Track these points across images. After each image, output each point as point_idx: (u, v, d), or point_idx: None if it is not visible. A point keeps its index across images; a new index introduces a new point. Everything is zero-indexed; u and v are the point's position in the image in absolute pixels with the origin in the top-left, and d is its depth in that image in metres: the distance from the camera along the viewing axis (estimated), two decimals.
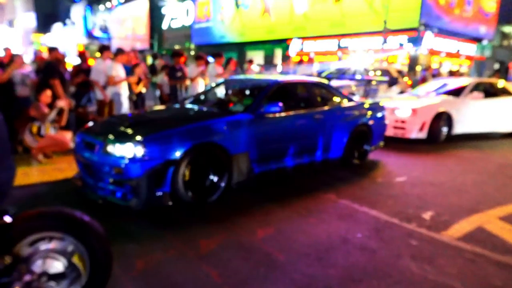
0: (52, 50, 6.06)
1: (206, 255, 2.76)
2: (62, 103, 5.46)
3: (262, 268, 2.59)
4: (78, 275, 1.88)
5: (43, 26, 51.76)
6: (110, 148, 3.41)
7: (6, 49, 5.40)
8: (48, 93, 5.29)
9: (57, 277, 1.84)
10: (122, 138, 3.49)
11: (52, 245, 1.87)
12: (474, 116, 7.49)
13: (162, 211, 3.54)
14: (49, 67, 5.81)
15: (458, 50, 21.77)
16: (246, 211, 3.64)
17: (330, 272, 2.56)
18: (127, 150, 3.34)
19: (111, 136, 3.52)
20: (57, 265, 1.84)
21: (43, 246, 1.86)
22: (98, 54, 6.74)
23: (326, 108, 5.02)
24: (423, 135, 6.86)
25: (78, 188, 3.88)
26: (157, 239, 3.01)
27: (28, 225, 1.79)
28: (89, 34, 40.35)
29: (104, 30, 41.76)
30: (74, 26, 35.14)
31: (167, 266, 2.60)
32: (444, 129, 7.15)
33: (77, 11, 44.21)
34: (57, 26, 46.70)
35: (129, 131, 3.65)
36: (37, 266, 1.82)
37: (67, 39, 38.05)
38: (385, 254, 2.84)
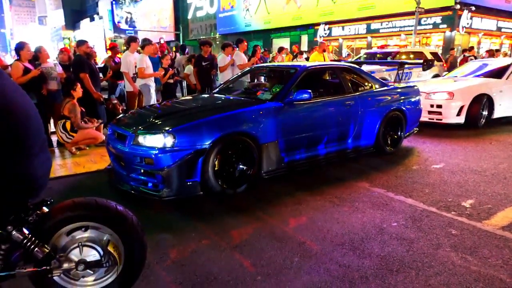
0: (80, 43, 6.11)
1: (239, 244, 2.75)
2: (97, 123, 5.58)
3: (296, 257, 2.55)
4: (114, 264, 1.92)
5: (72, 22, 53.37)
6: (141, 139, 3.45)
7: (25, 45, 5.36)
8: (79, 88, 5.40)
9: (93, 265, 1.88)
10: (152, 129, 3.52)
11: (88, 234, 1.91)
12: None
13: (193, 201, 3.56)
14: (78, 61, 5.89)
15: (499, 28, 20.54)
16: (277, 200, 3.60)
17: (366, 262, 2.48)
18: (157, 141, 3.37)
19: (141, 128, 3.56)
20: (94, 254, 1.88)
21: (80, 235, 1.90)
22: (123, 47, 6.82)
23: (357, 93, 4.85)
24: (461, 119, 6.54)
25: (111, 179, 3.97)
26: (190, 229, 3.02)
27: (65, 215, 1.83)
28: (116, 28, 41.15)
29: (130, 23, 42.49)
30: (102, 21, 35.96)
31: (201, 255, 2.61)
32: (484, 113, 6.78)
33: (103, 5, 45.17)
34: (85, 22, 48.05)
35: (159, 122, 3.68)
36: (75, 254, 1.86)
37: (96, 34, 39.05)
38: (423, 244, 2.72)
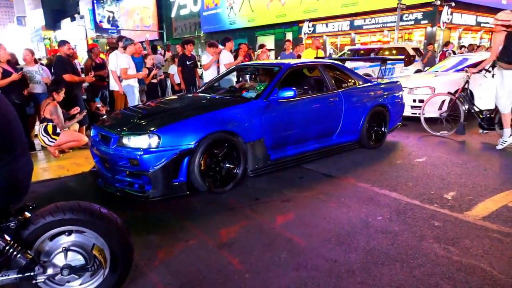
0: (61, 44, 6.00)
1: (227, 243, 2.76)
2: (81, 117, 5.52)
3: (283, 254, 2.58)
4: (100, 267, 1.91)
5: (52, 22, 52.25)
6: (125, 141, 3.42)
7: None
8: (62, 93, 5.31)
9: (79, 269, 1.86)
10: (137, 130, 3.50)
11: (72, 238, 1.90)
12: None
13: (180, 201, 3.55)
14: (59, 62, 5.80)
15: (478, 23, 20.98)
16: (265, 197, 3.62)
17: (352, 256, 2.53)
18: (142, 142, 3.35)
19: (125, 129, 3.53)
20: (78, 258, 1.87)
21: (64, 239, 1.88)
22: (105, 47, 6.77)
23: (340, 90, 4.90)
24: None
25: (96, 182, 3.92)
26: (177, 229, 3.02)
27: (48, 220, 1.81)
28: (98, 28, 40.50)
29: (113, 22, 41.89)
30: (83, 21, 35.33)
31: (189, 255, 2.61)
32: (465, 107, 6.92)
33: (84, 5, 44.40)
34: (65, 22, 47.11)
35: (143, 122, 3.66)
36: (59, 259, 1.85)
37: (77, 34, 38.39)
38: (407, 237, 2.78)
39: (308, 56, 9.16)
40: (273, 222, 3.10)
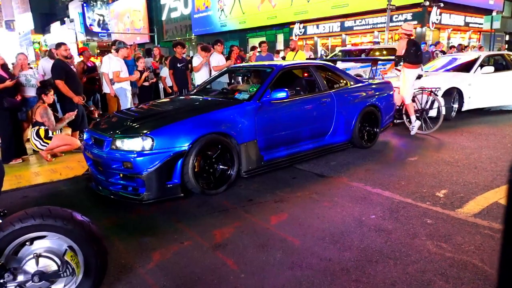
0: (57, 47, 5.83)
1: (221, 244, 2.77)
2: (72, 116, 5.45)
3: (278, 254, 2.59)
4: (73, 273, 1.86)
5: (41, 26, 51.73)
6: (119, 143, 3.41)
7: None
8: (51, 94, 5.26)
9: (51, 276, 1.82)
10: (130, 132, 3.49)
11: (44, 244, 1.86)
12: (485, 90, 7.32)
13: (174, 203, 3.55)
14: (55, 67, 5.68)
15: (467, 24, 21.26)
16: (258, 198, 3.63)
17: (346, 255, 2.55)
18: (136, 144, 3.35)
19: (119, 131, 3.52)
20: (50, 264, 1.83)
21: (35, 246, 1.84)
22: (96, 51, 6.71)
23: (332, 90, 4.94)
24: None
25: (89, 185, 3.90)
26: (171, 231, 3.02)
27: (18, 227, 1.77)
28: (88, 31, 40.18)
29: (103, 26, 41.62)
30: (73, 24, 35.03)
31: (184, 257, 2.61)
32: (455, 106, 7.03)
33: (74, 8, 44.08)
34: (55, 25, 46.65)
35: (137, 125, 3.65)
36: (30, 266, 1.80)
37: (67, 37, 38.08)
38: (400, 234, 2.81)
39: (291, 58, 9.03)
40: (267, 222, 3.11)
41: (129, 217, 3.31)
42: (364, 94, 5.27)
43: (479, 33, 22.57)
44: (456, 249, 2.58)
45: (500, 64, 7.90)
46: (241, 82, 5.98)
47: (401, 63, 6.09)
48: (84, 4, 41.53)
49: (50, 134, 5.11)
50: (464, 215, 3.12)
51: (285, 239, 2.80)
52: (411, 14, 18.34)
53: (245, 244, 2.74)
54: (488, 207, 3.24)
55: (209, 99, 4.65)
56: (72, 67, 5.92)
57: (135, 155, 3.30)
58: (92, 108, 6.65)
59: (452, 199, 3.46)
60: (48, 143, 5.06)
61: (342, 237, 2.80)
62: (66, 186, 4.24)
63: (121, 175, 3.44)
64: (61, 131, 5.42)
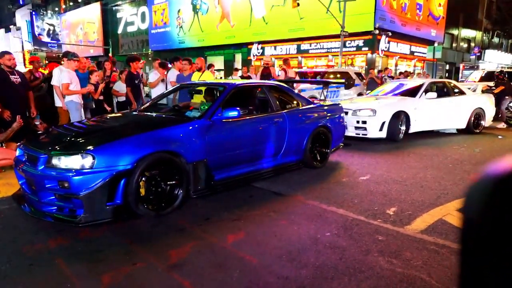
0: (1, 55, 5.51)
1: (178, 264, 2.68)
2: (17, 124, 5.09)
3: (235, 273, 2.55)
4: None
5: None
6: (55, 161, 3.18)
7: None
8: None
9: None
10: (69, 149, 3.27)
11: None
12: (429, 114, 7.87)
13: (124, 224, 3.39)
14: None
15: (412, 52, 22.92)
16: (216, 217, 3.58)
17: (303, 272, 2.57)
18: (75, 162, 3.13)
19: (57, 147, 3.30)
20: None
21: None
22: (44, 61, 6.39)
23: (285, 111, 5.01)
24: (383, 134, 7.12)
25: (20, 207, 3.56)
26: (122, 252, 2.88)
27: None
28: (36, 41, 38.26)
29: (53, 36, 39.89)
30: (19, 33, 33.23)
31: (136, 279, 2.49)
32: (402, 128, 7.47)
33: (21, 16, 41.92)
34: None
35: (77, 141, 3.45)
36: None
37: (12, 46, 36.01)
38: (354, 251, 2.89)
39: (196, 78, 7.36)
40: (224, 241, 3.07)
41: (76, 238, 3.11)
42: (316, 115, 5.40)
43: (423, 61, 24.42)
44: (406, 265, 2.69)
45: (441, 91, 8.56)
46: (193, 99, 5.83)
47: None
48: (33, 13, 39.66)
49: None
50: (412, 231, 3.28)
51: (243, 258, 2.77)
52: (363, 41, 19.47)
53: (202, 264, 2.68)
54: (433, 224, 3.43)
55: (160, 115, 4.55)
56: (14, 76, 5.56)
57: (74, 174, 3.07)
58: (38, 122, 6.27)
59: (401, 216, 3.63)
60: None
61: (298, 254, 2.83)
62: (4, 205, 3.91)
63: (56, 195, 3.18)
64: (5, 143, 5.03)
